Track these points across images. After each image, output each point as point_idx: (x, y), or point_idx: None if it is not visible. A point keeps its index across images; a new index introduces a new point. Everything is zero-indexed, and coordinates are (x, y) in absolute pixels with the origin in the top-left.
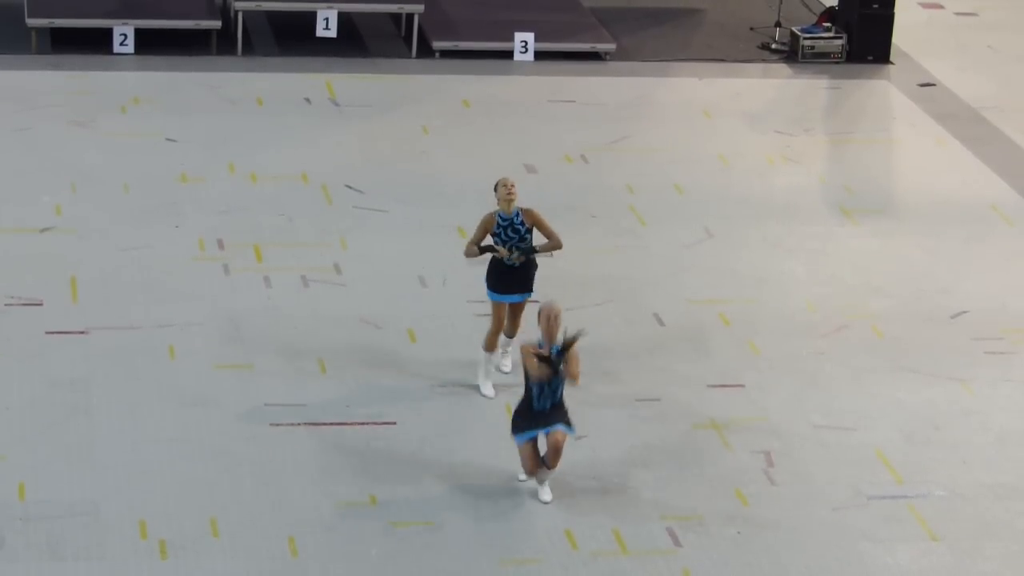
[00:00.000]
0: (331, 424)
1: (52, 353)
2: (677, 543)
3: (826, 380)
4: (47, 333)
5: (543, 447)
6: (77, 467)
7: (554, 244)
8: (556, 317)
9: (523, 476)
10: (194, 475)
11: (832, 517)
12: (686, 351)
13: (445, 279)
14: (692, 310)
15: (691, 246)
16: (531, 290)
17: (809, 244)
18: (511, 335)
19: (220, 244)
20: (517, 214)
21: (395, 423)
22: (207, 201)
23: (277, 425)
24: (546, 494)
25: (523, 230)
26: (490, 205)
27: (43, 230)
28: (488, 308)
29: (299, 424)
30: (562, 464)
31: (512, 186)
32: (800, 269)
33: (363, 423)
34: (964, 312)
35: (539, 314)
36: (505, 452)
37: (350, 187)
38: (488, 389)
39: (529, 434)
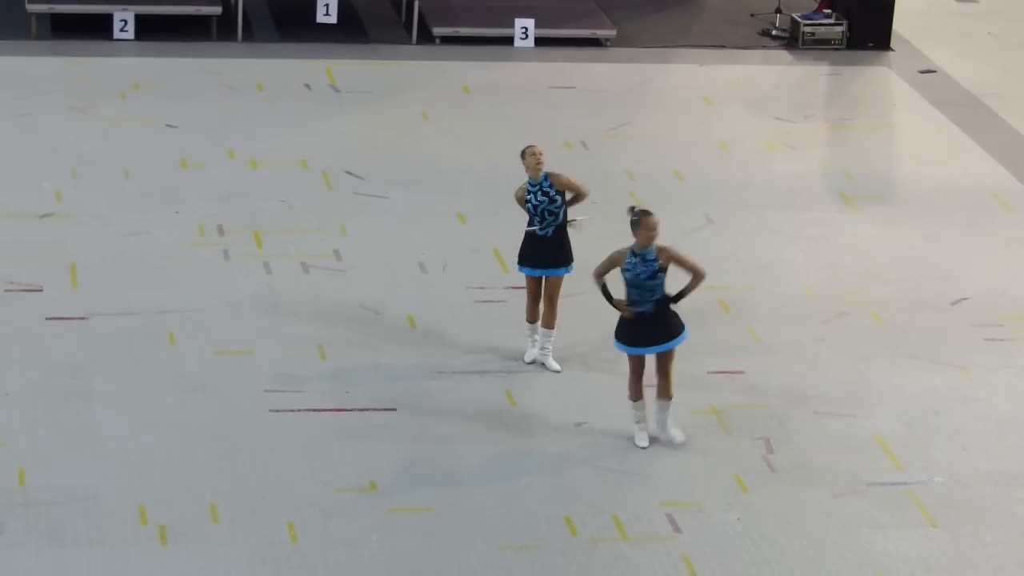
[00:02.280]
0: (331, 410)
1: (52, 339)
2: (677, 529)
3: (826, 366)
4: (47, 319)
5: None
6: (77, 453)
7: (582, 193)
8: (655, 227)
9: (643, 443)
10: (194, 461)
11: (832, 504)
12: None
13: (445, 265)
14: (692, 296)
15: (691, 232)
16: (563, 265)
17: (809, 231)
18: (534, 320)
19: (220, 230)
20: (545, 178)
21: (395, 409)
22: (207, 187)
23: (277, 411)
24: (679, 434)
25: (553, 192)
26: (489, 192)
27: (43, 216)
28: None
29: (299, 410)
30: (560, 449)
31: (540, 154)
32: (800, 256)
33: (363, 409)
34: (964, 299)
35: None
36: (505, 438)
37: (350, 173)
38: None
39: (638, 349)
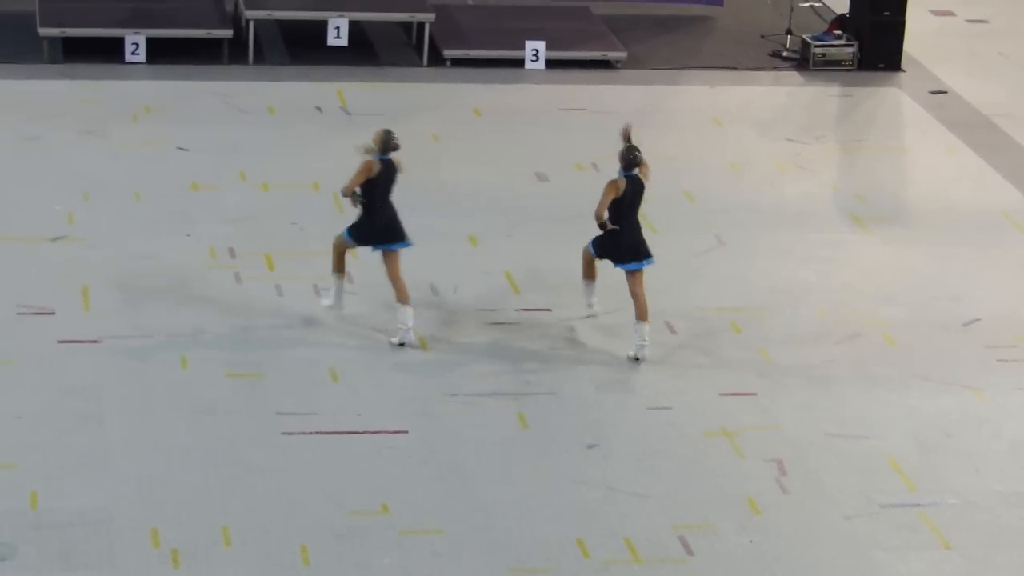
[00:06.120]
0: (342, 432)
1: (64, 362)
2: (689, 552)
3: (838, 388)
4: (59, 342)
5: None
6: (89, 475)
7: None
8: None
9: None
10: (206, 483)
11: (844, 526)
12: (698, 359)
13: (456, 287)
14: (704, 318)
15: (702, 254)
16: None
17: (821, 252)
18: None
19: (231, 253)
20: None
21: (406, 431)
22: (218, 210)
23: (289, 434)
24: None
25: None
26: (500, 215)
27: (55, 239)
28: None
29: (310, 432)
30: (572, 471)
31: None
32: (812, 277)
33: (374, 431)
34: (977, 320)
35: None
36: (517, 460)
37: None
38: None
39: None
